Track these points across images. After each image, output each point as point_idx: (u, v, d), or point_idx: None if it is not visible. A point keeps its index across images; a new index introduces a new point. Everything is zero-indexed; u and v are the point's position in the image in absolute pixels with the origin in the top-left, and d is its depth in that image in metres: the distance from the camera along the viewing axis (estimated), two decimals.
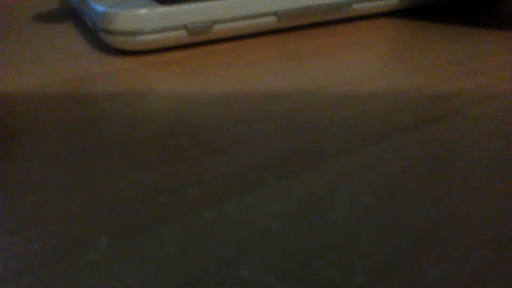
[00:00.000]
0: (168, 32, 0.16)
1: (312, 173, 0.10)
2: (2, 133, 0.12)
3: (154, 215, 0.09)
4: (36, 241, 0.09)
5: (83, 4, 0.18)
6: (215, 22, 0.17)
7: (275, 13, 0.18)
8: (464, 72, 0.15)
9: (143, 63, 0.16)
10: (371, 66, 0.16)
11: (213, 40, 0.18)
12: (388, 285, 0.08)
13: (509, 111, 0.13)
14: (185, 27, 0.17)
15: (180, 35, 0.17)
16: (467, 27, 0.20)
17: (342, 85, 0.14)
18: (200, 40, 0.17)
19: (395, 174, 0.10)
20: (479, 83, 0.15)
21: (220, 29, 0.17)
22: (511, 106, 0.13)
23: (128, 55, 0.17)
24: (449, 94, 0.14)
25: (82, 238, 0.09)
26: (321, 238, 0.09)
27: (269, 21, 0.18)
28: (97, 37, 0.19)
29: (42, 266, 0.08)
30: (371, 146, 0.11)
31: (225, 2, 0.17)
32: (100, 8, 0.16)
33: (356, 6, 0.20)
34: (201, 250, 0.08)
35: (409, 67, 0.16)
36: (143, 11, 0.16)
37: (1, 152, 0.11)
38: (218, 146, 0.11)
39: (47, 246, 0.08)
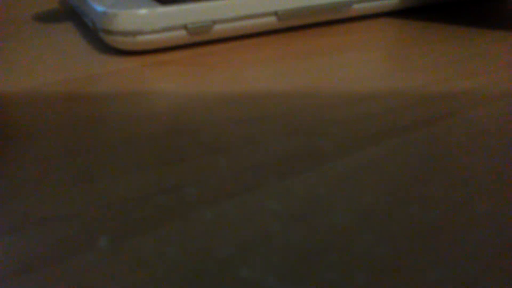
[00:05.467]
0: (168, 32, 0.16)
1: (312, 173, 0.10)
2: (2, 133, 0.12)
3: (154, 215, 0.09)
4: (36, 241, 0.09)
5: (83, 4, 0.18)
6: (215, 22, 0.17)
7: (275, 13, 0.18)
8: (464, 72, 0.15)
9: (143, 63, 0.16)
10: (370, 66, 0.16)
11: (213, 40, 0.18)
12: (388, 285, 0.08)
13: (509, 111, 0.13)
14: (185, 27, 0.17)
15: (180, 35, 0.17)
16: (467, 27, 0.20)
17: (342, 85, 0.14)
18: (200, 40, 0.17)
19: (395, 174, 0.10)
20: (479, 83, 0.15)
21: (220, 29, 0.17)
22: (511, 106, 0.13)
23: (128, 55, 0.17)
24: (449, 94, 0.14)
25: (82, 238, 0.09)
26: (321, 238, 0.09)
27: (269, 21, 0.18)
28: (97, 37, 0.19)
29: (42, 266, 0.08)
30: (371, 146, 0.11)
31: (225, 2, 0.17)
32: (100, 8, 0.16)
33: (356, 6, 0.20)
34: (201, 250, 0.08)
35: (409, 67, 0.16)
36: (143, 11, 0.16)
37: (1, 152, 0.11)
38: (218, 146, 0.11)
39: (47, 246, 0.08)
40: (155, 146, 0.11)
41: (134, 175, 0.10)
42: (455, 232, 0.09)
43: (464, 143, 0.11)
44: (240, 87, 0.14)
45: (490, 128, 0.12)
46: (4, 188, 0.10)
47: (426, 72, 0.15)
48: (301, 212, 0.09)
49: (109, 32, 0.16)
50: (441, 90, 0.14)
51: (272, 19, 0.18)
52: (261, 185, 0.10)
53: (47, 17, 0.22)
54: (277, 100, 0.14)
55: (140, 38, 0.16)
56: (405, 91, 0.14)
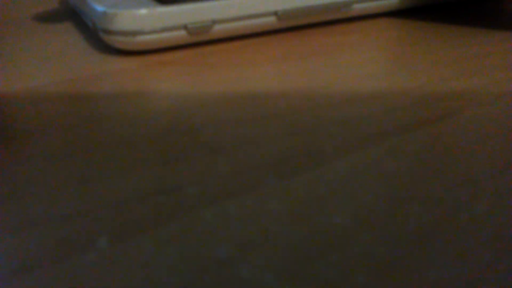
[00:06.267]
0: (168, 32, 0.16)
1: (312, 173, 0.10)
2: (2, 133, 0.12)
3: (154, 215, 0.09)
4: (36, 241, 0.09)
5: (83, 4, 0.18)
6: (215, 22, 0.17)
7: (275, 13, 0.18)
8: (464, 72, 0.15)
9: (143, 63, 0.16)
10: (371, 66, 0.16)
11: (213, 40, 0.18)
12: (388, 285, 0.08)
13: (509, 111, 0.13)
14: (185, 27, 0.17)
15: (180, 35, 0.17)
16: (467, 27, 0.20)
17: (342, 85, 0.14)
18: (200, 40, 0.17)
19: (395, 174, 0.10)
20: (479, 83, 0.15)
21: (220, 29, 0.17)
22: (511, 106, 0.13)
23: (128, 55, 0.17)
24: (449, 94, 0.14)
25: (82, 238, 0.09)
26: (321, 238, 0.09)
27: (269, 21, 0.18)
28: (97, 37, 0.19)
29: (42, 266, 0.08)
30: (371, 146, 0.11)
31: (225, 2, 0.17)
32: (100, 8, 0.16)
33: (356, 6, 0.20)
34: (201, 250, 0.08)
35: (409, 67, 0.16)
36: (143, 11, 0.16)
37: (1, 152, 0.11)
38: (218, 146, 0.11)
39: (47, 246, 0.08)
40: (155, 146, 0.11)
41: (134, 175, 0.10)
42: (455, 232, 0.09)
43: (464, 143, 0.11)
44: (240, 87, 0.14)
45: (490, 128, 0.12)
46: (4, 188, 0.10)
47: (426, 72, 0.15)
48: (301, 212, 0.09)
49: (109, 32, 0.16)
50: (441, 90, 0.14)
51: (272, 19, 0.18)
52: (261, 185, 0.10)
53: (47, 17, 0.22)
54: (277, 100, 0.14)
55: (140, 38, 0.16)
56: (405, 91, 0.14)
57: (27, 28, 0.20)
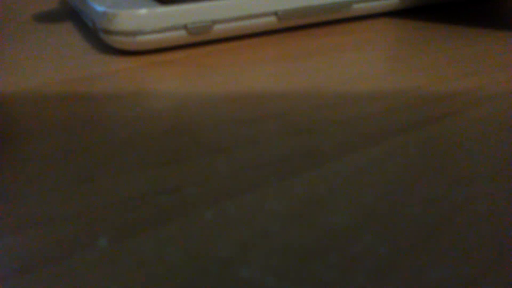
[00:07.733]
0: (168, 32, 0.16)
1: (312, 173, 0.10)
2: (2, 133, 0.12)
3: (154, 215, 0.09)
4: (36, 241, 0.09)
5: (83, 4, 0.18)
6: (215, 22, 0.17)
7: (275, 13, 0.18)
8: (464, 72, 0.15)
9: (143, 63, 0.16)
10: (371, 66, 0.16)
11: (213, 40, 0.18)
12: (388, 285, 0.08)
13: (509, 111, 0.13)
14: (185, 27, 0.17)
15: (180, 35, 0.17)
16: (467, 27, 0.20)
17: (342, 85, 0.14)
18: (200, 40, 0.17)
19: (395, 174, 0.10)
20: (479, 83, 0.15)
21: (220, 29, 0.17)
22: (511, 106, 0.13)
23: (128, 55, 0.17)
24: (449, 94, 0.14)
25: (82, 238, 0.09)
26: (321, 238, 0.09)
27: (269, 21, 0.18)
28: (97, 37, 0.19)
29: (42, 266, 0.08)
30: (371, 146, 0.11)
31: (225, 2, 0.17)
32: (100, 8, 0.16)
33: (356, 6, 0.20)
34: (201, 250, 0.08)
35: (409, 67, 0.16)
36: (143, 11, 0.16)
37: (1, 152, 0.11)
38: (218, 146, 0.11)
39: (47, 246, 0.08)
40: (155, 146, 0.11)
41: (134, 175, 0.10)
42: (455, 232, 0.09)
43: (464, 143, 0.11)
44: (240, 87, 0.14)
45: (490, 128, 0.12)
46: (5, 188, 0.10)
47: (426, 72, 0.15)
48: (301, 212, 0.09)
49: (109, 32, 0.16)
50: (441, 90, 0.14)
51: (272, 19, 0.18)
52: (261, 185, 0.10)
53: (47, 17, 0.22)
54: (277, 100, 0.14)
55: (140, 38, 0.16)
56: (405, 91, 0.14)
57: (27, 28, 0.20)
